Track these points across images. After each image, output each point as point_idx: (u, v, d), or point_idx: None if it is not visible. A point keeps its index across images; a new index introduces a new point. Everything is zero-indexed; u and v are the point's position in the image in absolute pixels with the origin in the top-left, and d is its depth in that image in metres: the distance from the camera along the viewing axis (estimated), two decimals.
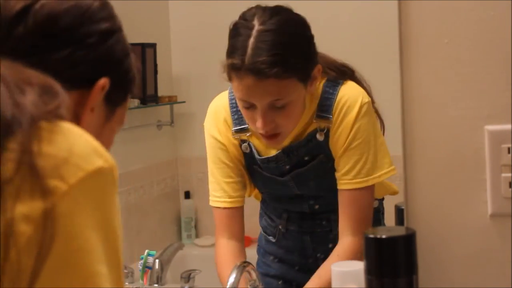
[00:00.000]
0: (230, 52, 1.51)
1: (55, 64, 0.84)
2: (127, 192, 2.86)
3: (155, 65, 2.95)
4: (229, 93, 1.65)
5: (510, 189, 1.05)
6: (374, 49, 2.69)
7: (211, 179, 1.69)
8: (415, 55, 1.08)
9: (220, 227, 1.68)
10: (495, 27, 1.05)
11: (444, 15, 1.06)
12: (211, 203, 1.69)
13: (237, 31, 1.51)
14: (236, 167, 1.66)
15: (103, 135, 0.86)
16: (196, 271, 1.87)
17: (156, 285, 1.84)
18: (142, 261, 1.85)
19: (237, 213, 1.68)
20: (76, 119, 0.86)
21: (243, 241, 1.70)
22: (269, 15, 1.49)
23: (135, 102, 2.84)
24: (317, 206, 1.69)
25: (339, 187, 1.60)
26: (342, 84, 1.59)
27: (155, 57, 2.95)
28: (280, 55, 1.45)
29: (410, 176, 1.10)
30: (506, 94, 1.05)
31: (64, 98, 0.76)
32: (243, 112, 1.56)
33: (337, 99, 1.57)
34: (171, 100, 3.08)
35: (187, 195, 3.15)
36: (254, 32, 1.47)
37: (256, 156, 1.64)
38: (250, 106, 1.51)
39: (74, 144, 0.73)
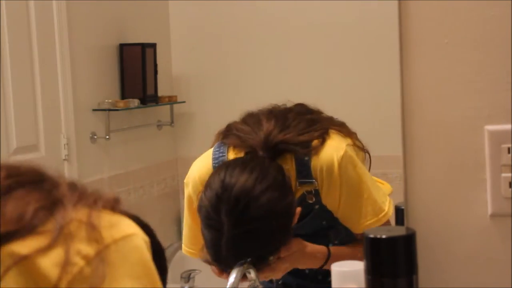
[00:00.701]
0: (205, 244, 1.45)
1: None
2: (127, 192, 2.86)
3: (155, 65, 2.95)
4: (213, 153, 1.62)
5: (510, 189, 1.05)
6: (374, 49, 2.69)
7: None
8: (415, 55, 1.07)
9: None
10: (495, 27, 1.05)
11: (444, 15, 1.06)
12: (193, 256, 1.70)
13: (206, 224, 1.43)
14: None
15: None
16: (196, 271, 1.88)
17: None
18: None
19: None
20: None
21: None
22: (238, 209, 1.38)
23: (135, 102, 2.84)
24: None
25: (359, 232, 1.58)
26: (311, 154, 1.55)
27: (155, 57, 2.95)
28: (258, 257, 1.42)
29: (410, 176, 1.10)
30: (506, 94, 1.05)
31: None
32: None
33: (312, 168, 1.54)
34: (171, 100, 3.08)
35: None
36: (224, 235, 1.38)
37: None
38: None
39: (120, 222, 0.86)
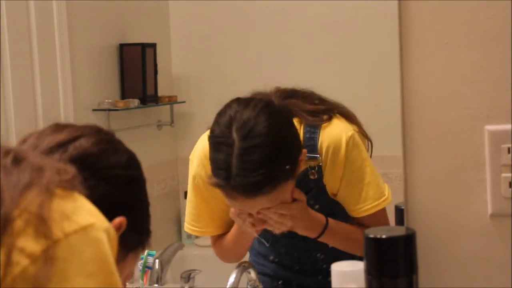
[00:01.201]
0: (214, 169, 1.46)
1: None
2: None
3: (155, 65, 2.95)
4: None
5: (510, 189, 1.05)
6: (374, 49, 2.69)
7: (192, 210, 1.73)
8: (415, 55, 1.08)
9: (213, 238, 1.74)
10: (495, 27, 1.05)
11: (444, 15, 1.06)
12: (198, 234, 1.74)
13: (217, 146, 1.46)
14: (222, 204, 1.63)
15: None
16: (196, 271, 1.87)
17: (156, 285, 1.84)
18: (142, 261, 1.85)
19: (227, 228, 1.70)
20: None
21: None
22: (248, 125, 1.43)
23: (135, 102, 2.84)
24: None
25: (357, 215, 1.59)
26: (320, 127, 1.57)
27: (155, 57, 2.95)
28: (268, 173, 1.41)
29: (410, 176, 1.10)
30: (506, 94, 1.05)
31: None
32: None
33: (319, 143, 1.56)
34: (171, 100, 3.08)
35: (187, 195, 3.15)
36: (235, 150, 1.41)
37: None
38: (241, 210, 1.51)
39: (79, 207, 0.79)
